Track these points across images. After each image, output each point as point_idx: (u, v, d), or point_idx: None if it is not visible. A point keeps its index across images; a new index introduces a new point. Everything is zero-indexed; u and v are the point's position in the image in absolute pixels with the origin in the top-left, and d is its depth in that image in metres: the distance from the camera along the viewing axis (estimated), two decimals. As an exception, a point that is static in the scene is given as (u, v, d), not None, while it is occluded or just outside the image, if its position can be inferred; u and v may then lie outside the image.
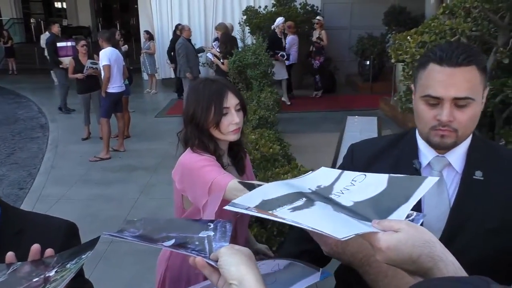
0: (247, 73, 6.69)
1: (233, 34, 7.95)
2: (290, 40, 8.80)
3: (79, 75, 6.52)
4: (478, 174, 1.10)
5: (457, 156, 1.13)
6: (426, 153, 1.15)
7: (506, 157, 1.14)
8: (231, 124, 1.51)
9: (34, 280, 0.78)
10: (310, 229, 0.72)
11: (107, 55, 5.88)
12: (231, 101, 1.52)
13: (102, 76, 6.01)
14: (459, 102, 1.04)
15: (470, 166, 1.11)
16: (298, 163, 2.93)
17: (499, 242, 1.06)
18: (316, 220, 0.74)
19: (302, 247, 1.16)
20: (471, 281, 0.56)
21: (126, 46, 10.04)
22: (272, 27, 8.73)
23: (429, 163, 1.15)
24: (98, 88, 6.51)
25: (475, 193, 1.08)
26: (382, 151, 1.21)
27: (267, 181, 2.43)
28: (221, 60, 7.19)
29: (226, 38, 7.30)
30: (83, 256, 0.82)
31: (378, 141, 1.26)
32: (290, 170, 2.60)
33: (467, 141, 1.14)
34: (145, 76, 11.13)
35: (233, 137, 1.55)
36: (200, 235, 0.83)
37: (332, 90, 9.92)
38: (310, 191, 0.86)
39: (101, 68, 5.97)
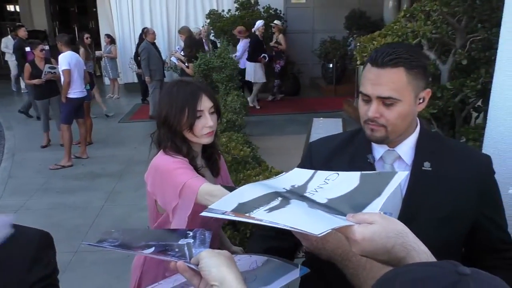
0: (213, 77, 6.67)
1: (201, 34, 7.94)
2: (243, 44, 8.82)
3: (36, 81, 6.27)
4: (427, 165, 1.15)
5: (406, 149, 1.18)
6: (378, 147, 1.20)
7: (453, 147, 1.21)
8: (204, 127, 1.51)
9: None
10: (288, 228, 0.74)
11: (67, 59, 5.71)
12: (205, 104, 1.51)
13: (62, 81, 5.82)
14: (385, 101, 1.09)
15: (418, 158, 1.17)
16: (268, 165, 2.95)
17: (450, 229, 1.13)
18: (293, 218, 0.76)
19: (268, 243, 1.20)
20: (439, 265, 0.58)
21: (101, 51, 9.80)
22: (253, 30, 8.77)
23: (381, 157, 1.20)
24: (57, 94, 6.30)
25: (425, 184, 1.14)
26: (338, 148, 1.25)
27: (239, 183, 2.44)
28: (186, 64, 7.13)
29: (190, 42, 7.26)
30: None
31: (334, 139, 1.30)
32: (261, 172, 2.62)
33: (415, 135, 1.19)
34: (106, 81, 10.86)
35: (206, 140, 1.55)
36: (179, 242, 0.86)
37: (297, 93, 10.02)
38: (285, 190, 0.88)
39: (61, 73, 5.78)
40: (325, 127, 5.63)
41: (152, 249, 0.85)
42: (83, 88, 6.00)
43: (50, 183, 5.33)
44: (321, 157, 1.25)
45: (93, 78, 7.48)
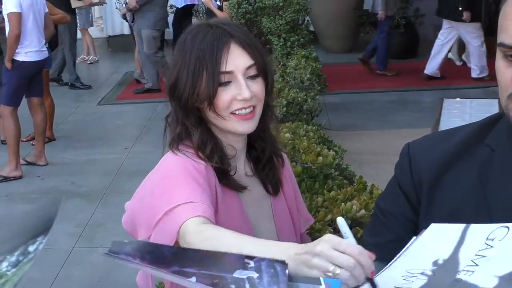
0: (263, 24, 6.69)
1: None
2: None
3: None
4: None
5: None
6: None
7: None
8: (235, 101, 1.52)
9: None
10: None
11: (16, -3, 5.90)
12: (237, 60, 1.53)
13: (7, 34, 6.05)
14: None
15: None
16: (366, 181, 2.92)
17: None
18: None
19: None
20: None
21: None
22: None
23: None
24: None
25: None
26: (458, 151, 1.30)
27: (316, 214, 2.41)
28: (217, 2, 7.23)
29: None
30: (29, 248, 0.82)
31: (448, 136, 1.35)
32: (355, 194, 2.59)
33: None
34: (78, 33, 11.24)
35: (241, 127, 1.56)
36: (235, 275, 0.93)
37: (413, 53, 10.07)
38: (425, 274, 0.97)
39: (5, 20, 6.00)
40: (466, 114, 5.53)
41: (192, 279, 0.93)
42: (42, 45, 6.21)
43: (-15, 207, 5.53)
44: (428, 167, 1.30)
45: (57, 31, 7.69)
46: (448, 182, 1.25)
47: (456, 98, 6.42)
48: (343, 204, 2.45)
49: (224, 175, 1.58)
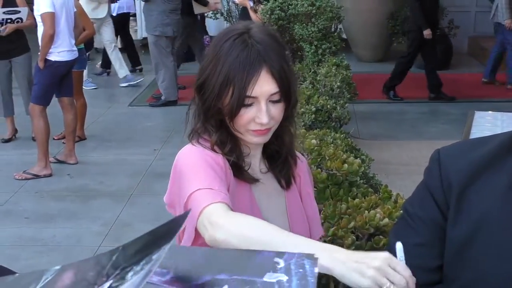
0: (295, 31, 6.70)
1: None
2: None
3: None
4: None
5: None
6: None
7: None
8: (253, 122, 1.59)
9: None
10: None
11: (49, -4, 5.95)
12: (265, 87, 1.56)
13: (39, 34, 6.09)
14: None
15: None
16: (391, 191, 2.91)
17: None
18: None
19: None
20: None
21: None
22: None
23: None
24: (25, 52, 6.66)
25: None
26: (489, 160, 1.30)
27: (339, 220, 2.41)
28: (252, 4, 7.28)
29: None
30: (153, 256, 0.84)
31: (479, 145, 1.36)
32: (379, 203, 2.57)
33: None
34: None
35: (255, 139, 1.65)
36: (265, 279, 0.94)
37: (446, 64, 9.97)
38: None
39: (38, 20, 6.05)
40: (497, 127, 5.45)
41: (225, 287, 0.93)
42: (73, 45, 6.27)
43: (14, 204, 5.60)
44: (458, 174, 1.31)
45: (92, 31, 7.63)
46: (477, 189, 1.27)
47: (487, 111, 6.33)
48: (366, 212, 2.44)
49: (238, 169, 1.65)
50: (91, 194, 5.79)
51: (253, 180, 1.68)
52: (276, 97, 1.59)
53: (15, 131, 7.19)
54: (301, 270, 0.95)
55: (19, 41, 6.81)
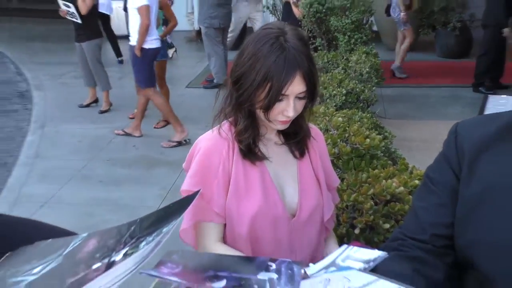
0: (330, 23, 6.69)
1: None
2: None
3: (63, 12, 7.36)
4: None
5: None
6: None
7: None
8: (280, 114, 1.69)
9: (94, 267, 0.82)
10: None
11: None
12: (295, 88, 1.65)
13: (129, 25, 6.29)
14: None
15: None
16: (407, 163, 2.94)
17: None
18: None
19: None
20: None
21: None
22: None
23: None
24: (89, 39, 7.27)
25: None
26: (500, 132, 1.26)
27: (360, 187, 2.47)
28: (294, -1, 7.31)
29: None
30: (164, 229, 0.86)
31: (493, 119, 1.32)
32: (396, 173, 2.60)
33: None
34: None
35: (278, 126, 1.77)
36: (259, 276, 1.01)
37: (465, 52, 9.80)
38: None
39: (131, 12, 6.19)
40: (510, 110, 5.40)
41: (223, 282, 0.99)
42: (157, 34, 6.42)
43: (90, 169, 5.82)
44: (471, 143, 1.30)
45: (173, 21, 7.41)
46: (490, 155, 1.25)
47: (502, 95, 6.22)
48: (384, 181, 2.48)
49: (250, 151, 1.77)
50: (152, 163, 5.94)
51: (263, 158, 1.78)
52: (302, 95, 1.68)
53: (110, 104, 7.65)
54: (289, 271, 1.03)
55: (83, 29, 7.33)
